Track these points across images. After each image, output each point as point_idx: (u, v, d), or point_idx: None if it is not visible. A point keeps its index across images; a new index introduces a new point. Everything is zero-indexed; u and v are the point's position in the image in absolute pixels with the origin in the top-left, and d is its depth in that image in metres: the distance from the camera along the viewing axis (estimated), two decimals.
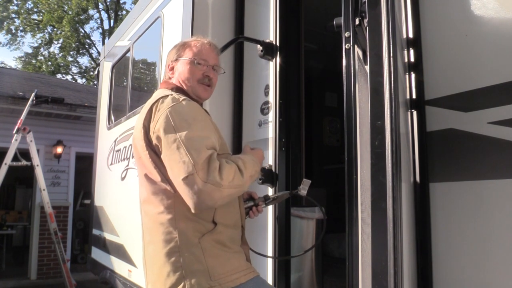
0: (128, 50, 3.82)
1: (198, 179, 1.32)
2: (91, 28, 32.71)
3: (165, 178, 1.44)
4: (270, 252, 2.17)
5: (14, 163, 5.31)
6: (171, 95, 1.50)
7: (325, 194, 4.02)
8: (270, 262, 2.15)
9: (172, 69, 1.68)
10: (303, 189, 1.77)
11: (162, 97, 1.49)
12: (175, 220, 1.43)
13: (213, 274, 1.38)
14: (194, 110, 1.49)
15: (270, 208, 2.21)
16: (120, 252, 3.45)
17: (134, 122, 3.34)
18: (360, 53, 1.58)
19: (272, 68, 2.32)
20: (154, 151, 1.46)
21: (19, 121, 5.36)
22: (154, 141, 1.43)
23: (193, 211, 1.38)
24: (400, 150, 1.26)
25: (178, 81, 1.65)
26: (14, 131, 5.30)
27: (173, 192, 1.43)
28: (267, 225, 2.20)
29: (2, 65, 21.36)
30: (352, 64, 1.59)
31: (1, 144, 6.08)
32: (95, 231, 4.30)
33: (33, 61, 21.62)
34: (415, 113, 1.57)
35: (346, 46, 1.58)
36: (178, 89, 1.62)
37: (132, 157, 3.33)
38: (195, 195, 1.33)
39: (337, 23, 1.61)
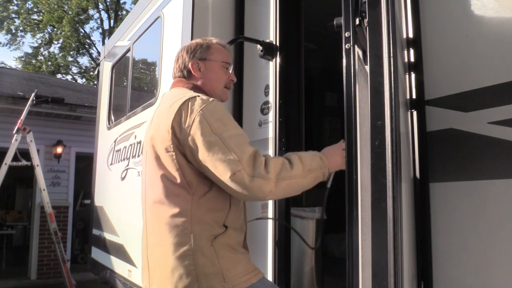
0: (128, 50, 3.82)
1: (245, 175, 1.35)
2: (91, 28, 32.76)
3: (185, 180, 1.44)
4: (270, 253, 2.17)
5: (14, 163, 5.31)
6: (198, 96, 1.50)
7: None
8: (270, 262, 2.15)
9: (198, 69, 1.65)
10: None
11: (190, 98, 1.47)
12: (190, 223, 1.42)
13: (226, 276, 1.39)
14: (225, 110, 1.51)
15: (270, 208, 2.21)
16: (120, 252, 3.45)
17: (134, 122, 3.36)
18: (360, 53, 1.58)
19: (272, 68, 2.32)
20: (182, 153, 1.44)
21: (19, 121, 5.36)
22: (189, 143, 1.41)
23: (244, 201, 1.52)
24: (400, 150, 1.26)
25: (204, 82, 1.64)
26: (14, 131, 5.30)
27: (191, 194, 1.43)
28: (267, 225, 2.21)
29: (2, 65, 21.39)
30: (352, 64, 1.58)
31: (1, 144, 6.08)
32: (95, 231, 4.30)
33: (33, 61, 21.64)
34: (415, 113, 1.57)
35: (346, 46, 1.58)
36: (197, 89, 1.61)
37: (133, 157, 3.33)
38: (245, 191, 1.36)
39: (337, 23, 1.61)
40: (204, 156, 1.38)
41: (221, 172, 1.36)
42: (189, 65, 1.65)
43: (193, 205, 1.43)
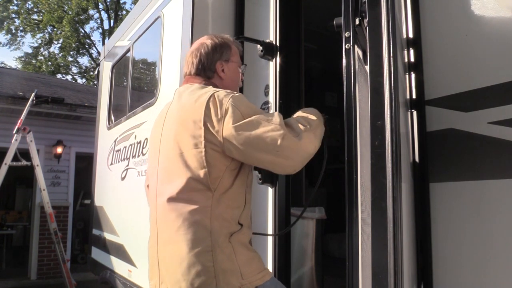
0: (128, 50, 3.82)
1: (291, 136, 1.44)
2: (91, 28, 32.67)
3: (209, 177, 1.43)
4: (270, 253, 2.17)
5: (14, 163, 5.31)
6: (220, 90, 1.53)
7: (325, 194, 4.03)
8: (270, 262, 2.15)
9: (222, 70, 1.67)
10: None
11: (214, 92, 1.50)
12: (210, 219, 1.42)
13: (243, 272, 1.40)
14: (247, 99, 1.57)
15: (270, 208, 2.21)
16: (120, 252, 3.45)
17: (134, 122, 3.36)
18: (360, 53, 1.58)
19: (272, 68, 2.32)
20: (217, 147, 1.44)
21: (19, 121, 5.37)
22: (225, 134, 1.42)
23: (294, 171, 1.52)
24: (400, 150, 1.26)
25: (223, 83, 1.66)
26: (14, 131, 5.30)
27: (212, 191, 1.43)
28: (267, 225, 2.21)
29: (2, 65, 21.39)
30: (352, 64, 1.58)
31: (1, 144, 6.08)
32: (95, 231, 4.31)
33: (33, 61, 21.64)
34: (415, 113, 1.57)
35: (346, 46, 1.58)
36: (215, 87, 1.61)
37: (133, 157, 3.33)
38: (297, 151, 1.45)
39: (337, 23, 1.61)
40: (248, 137, 1.41)
41: (271, 141, 1.41)
42: (216, 66, 1.66)
43: (213, 201, 1.43)
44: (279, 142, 1.40)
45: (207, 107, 1.45)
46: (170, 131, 1.56)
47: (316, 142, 1.53)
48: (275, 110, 2.24)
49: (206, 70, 1.66)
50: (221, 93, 1.50)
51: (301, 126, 1.50)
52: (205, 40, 1.70)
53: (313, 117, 1.59)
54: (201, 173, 1.44)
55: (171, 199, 1.48)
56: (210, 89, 1.54)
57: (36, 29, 21.14)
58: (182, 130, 1.50)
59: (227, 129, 1.42)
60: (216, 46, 1.67)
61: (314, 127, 1.54)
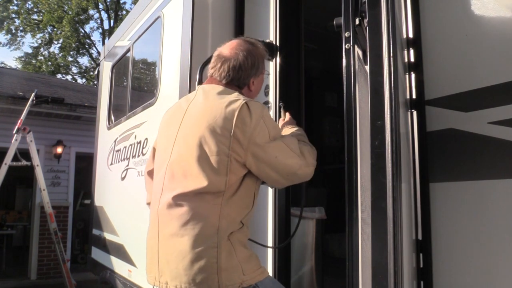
0: (128, 50, 3.82)
1: (305, 166, 1.58)
2: (91, 28, 32.50)
3: (226, 182, 1.45)
4: (270, 253, 2.17)
5: (14, 163, 5.31)
6: (251, 100, 1.54)
7: (325, 194, 4.02)
8: (270, 262, 2.15)
9: (253, 83, 1.68)
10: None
11: (245, 103, 1.49)
12: (219, 217, 1.43)
13: (245, 269, 1.43)
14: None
15: (270, 208, 2.21)
16: (120, 252, 3.45)
17: (134, 122, 3.36)
18: (360, 53, 1.58)
19: (272, 68, 2.32)
20: (241, 158, 1.46)
21: (19, 121, 5.36)
22: (251, 149, 1.46)
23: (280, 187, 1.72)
24: (400, 150, 1.26)
25: (248, 93, 1.66)
26: (14, 131, 5.30)
27: (223, 190, 1.45)
28: (267, 225, 2.21)
29: (2, 65, 21.36)
30: (352, 64, 1.59)
31: (1, 144, 6.08)
32: (95, 231, 4.31)
33: (33, 61, 21.62)
34: (415, 113, 1.57)
35: (346, 46, 1.58)
36: (240, 93, 1.60)
37: (133, 157, 3.33)
38: (307, 176, 1.60)
39: (337, 23, 1.61)
40: (271, 160, 1.49)
41: (290, 169, 1.54)
42: (250, 80, 1.66)
43: (223, 201, 1.45)
44: (296, 172, 1.55)
45: (239, 118, 1.45)
46: (192, 130, 1.53)
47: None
48: (275, 110, 2.24)
49: (239, 81, 1.64)
50: (252, 105, 1.50)
51: (311, 159, 1.61)
52: (244, 52, 1.64)
53: (314, 149, 1.69)
54: (222, 179, 1.44)
55: (180, 195, 1.47)
56: (239, 96, 1.54)
57: (36, 29, 21.12)
58: (209, 135, 1.47)
59: (254, 145, 1.46)
60: (254, 62, 1.65)
61: (315, 160, 1.65)
